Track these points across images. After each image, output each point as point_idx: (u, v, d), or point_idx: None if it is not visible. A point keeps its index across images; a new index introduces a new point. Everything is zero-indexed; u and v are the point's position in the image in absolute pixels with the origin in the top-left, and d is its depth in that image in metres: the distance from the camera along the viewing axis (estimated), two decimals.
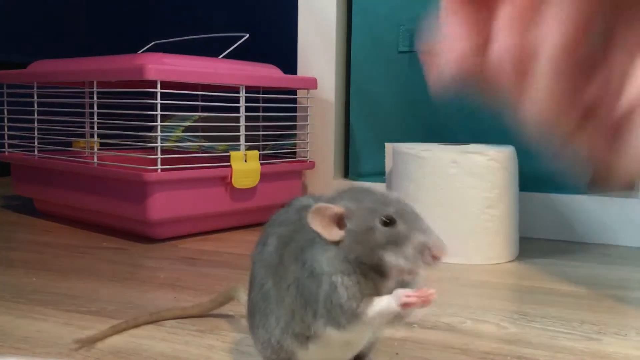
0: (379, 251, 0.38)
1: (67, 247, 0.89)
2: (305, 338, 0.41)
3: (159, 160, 0.89)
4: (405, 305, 0.37)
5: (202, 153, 1.24)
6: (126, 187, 0.92)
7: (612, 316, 0.62)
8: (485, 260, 0.84)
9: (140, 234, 0.95)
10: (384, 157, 1.00)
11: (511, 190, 0.86)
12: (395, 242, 0.38)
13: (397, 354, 0.51)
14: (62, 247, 0.89)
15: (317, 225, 0.39)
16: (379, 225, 0.38)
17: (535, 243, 0.97)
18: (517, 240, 0.88)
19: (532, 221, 1.00)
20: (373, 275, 0.39)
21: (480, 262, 0.83)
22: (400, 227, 0.38)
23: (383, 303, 0.38)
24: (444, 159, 0.84)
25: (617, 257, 0.89)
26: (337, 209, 0.39)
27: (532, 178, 1.01)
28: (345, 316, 0.38)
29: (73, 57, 1.08)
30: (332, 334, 0.39)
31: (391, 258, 0.38)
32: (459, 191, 0.83)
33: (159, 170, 0.89)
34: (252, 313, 0.44)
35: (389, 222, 0.38)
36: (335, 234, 0.39)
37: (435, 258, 0.37)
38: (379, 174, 1.09)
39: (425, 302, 0.38)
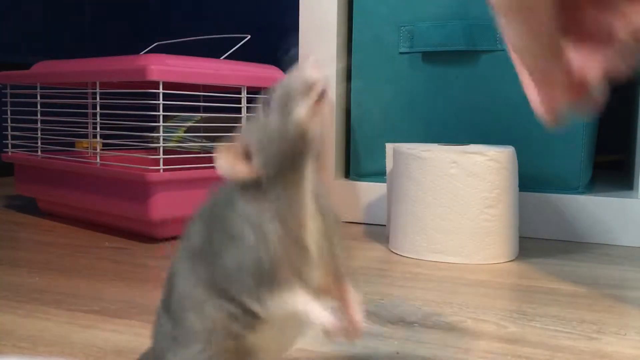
0: (291, 107, 0.38)
1: (70, 246, 0.90)
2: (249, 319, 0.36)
3: (161, 160, 0.89)
4: (326, 332, 0.34)
5: (204, 153, 1.25)
6: (129, 187, 0.92)
7: (612, 315, 0.62)
8: (485, 260, 0.84)
9: (143, 234, 0.95)
10: (384, 157, 1.00)
11: (511, 190, 0.86)
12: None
13: (397, 353, 0.52)
14: (65, 246, 0.90)
15: (225, 166, 0.36)
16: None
17: (535, 243, 0.97)
18: (517, 240, 0.89)
19: (532, 221, 1.01)
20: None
21: (480, 262, 0.84)
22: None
23: (305, 306, 0.35)
24: (444, 159, 0.84)
25: (616, 256, 0.89)
26: (242, 140, 0.37)
27: (532, 178, 1.01)
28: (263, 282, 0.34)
29: (76, 58, 1.08)
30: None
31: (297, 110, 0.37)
32: (459, 191, 0.84)
33: (162, 171, 0.89)
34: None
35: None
36: (245, 167, 0.36)
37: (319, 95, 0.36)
38: (380, 174, 1.10)
39: (351, 336, 0.35)
